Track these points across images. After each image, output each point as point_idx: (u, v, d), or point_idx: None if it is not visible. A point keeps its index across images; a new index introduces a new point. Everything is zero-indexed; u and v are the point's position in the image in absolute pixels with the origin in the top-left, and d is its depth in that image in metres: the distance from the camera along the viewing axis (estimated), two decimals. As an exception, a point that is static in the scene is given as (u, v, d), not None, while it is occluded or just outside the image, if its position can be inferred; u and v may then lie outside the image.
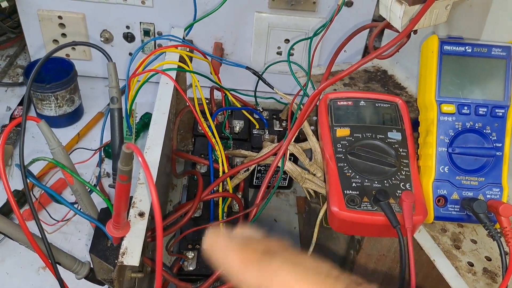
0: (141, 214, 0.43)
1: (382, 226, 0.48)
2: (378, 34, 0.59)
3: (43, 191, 0.68)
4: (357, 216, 0.48)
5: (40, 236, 0.43)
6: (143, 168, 0.30)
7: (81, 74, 0.90)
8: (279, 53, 0.96)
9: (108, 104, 0.93)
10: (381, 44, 0.86)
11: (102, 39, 0.94)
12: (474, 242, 0.50)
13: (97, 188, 0.72)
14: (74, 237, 0.70)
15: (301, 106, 0.65)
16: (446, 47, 0.51)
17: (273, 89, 0.74)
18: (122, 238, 0.41)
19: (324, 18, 0.91)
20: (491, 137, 0.50)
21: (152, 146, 0.51)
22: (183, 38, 0.73)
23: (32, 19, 0.92)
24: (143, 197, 0.45)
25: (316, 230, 0.59)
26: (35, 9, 0.90)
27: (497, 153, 0.50)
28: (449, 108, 0.50)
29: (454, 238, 0.50)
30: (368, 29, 0.67)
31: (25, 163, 0.42)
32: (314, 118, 0.68)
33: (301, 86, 0.66)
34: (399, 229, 0.46)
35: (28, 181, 0.42)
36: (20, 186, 0.74)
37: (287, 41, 0.94)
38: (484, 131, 0.50)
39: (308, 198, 0.64)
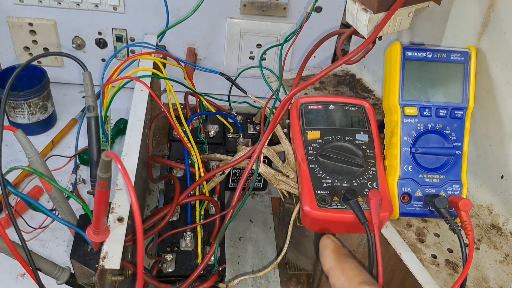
0: (120, 219, 0.45)
1: (352, 223, 0.51)
2: (347, 39, 0.62)
3: (18, 199, 0.68)
4: (328, 214, 0.51)
5: (20, 244, 0.43)
6: (123, 175, 0.31)
7: (53, 80, 0.90)
8: (252, 58, 0.98)
9: (82, 111, 0.94)
10: (350, 48, 0.89)
11: (74, 46, 0.94)
12: (437, 235, 0.53)
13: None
14: (52, 244, 0.70)
15: (274, 110, 0.67)
16: (408, 53, 0.54)
17: (246, 94, 0.76)
18: (102, 243, 0.42)
19: (294, 23, 0.93)
20: (451, 137, 0.53)
21: (129, 153, 0.52)
22: (156, 44, 0.74)
23: (2, 26, 0.91)
24: (122, 202, 0.46)
25: (290, 229, 0.61)
26: (5, 16, 0.90)
27: (457, 152, 0.53)
28: (411, 110, 0.53)
29: (419, 233, 0.53)
30: (336, 35, 0.70)
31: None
32: (287, 121, 0.71)
33: (273, 91, 0.68)
34: (367, 226, 0.48)
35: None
36: (-7, 195, 0.74)
37: (259, 46, 0.96)
38: (445, 131, 0.53)
39: (282, 199, 0.66)
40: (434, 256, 0.50)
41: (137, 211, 0.30)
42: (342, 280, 0.40)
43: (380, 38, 0.58)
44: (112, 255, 0.41)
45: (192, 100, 0.76)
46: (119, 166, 0.31)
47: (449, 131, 0.53)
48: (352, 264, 0.42)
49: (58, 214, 0.50)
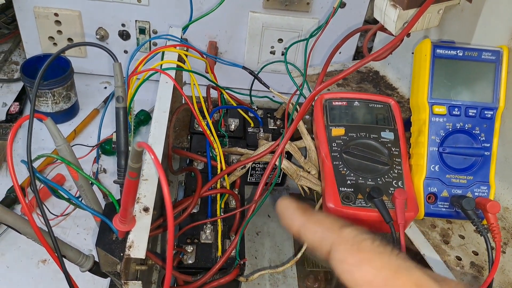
0: (146, 209, 0.45)
1: (376, 222, 0.50)
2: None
3: (41, 186, 0.69)
4: (352, 212, 0.50)
5: (47, 230, 0.44)
6: (155, 165, 0.31)
7: (76, 71, 0.91)
8: (273, 53, 0.97)
9: (104, 101, 0.94)
10: (373, 45, 0.88)
11: (98, 37, 0.95)
12: (462, 237, 0.52)
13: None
14: (73, 231, 0.71)
15: (297, 106, 0.67)
16: (439, 51, 0.53)
17: (268, 88, 0.75)
18: (127, 232, 0.43)
19: (317, 18, 0.93)
20: (480, 137, 0.52)
21: (154, 144, 0.52)
22: (181, 37, 0.74)
23: (28, 16, 0.92)
24: (147, 193, 0.46)
25: (311, 225, 0.61)
26: (32, 6, 0.90)
27: (485, 153, 0.52)
28: (440, 109, 0.53)
29: (443, 234, 0.52)
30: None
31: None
32: (307, 117, 0.70)
33: (297, 87, 0.68)
34: (392, 225, 0.48)
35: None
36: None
37: (280, 40, 0.96)
38: (473, 131, 0.52)
39: (303, 195, 0.65)
40: (459, 258, 0.50)
41: (169, 202, 0.30)
42: (320, 231, 0.35)
43: (408, 35, 0.57)
44: (137, 245, 0.41)
45: (212, 93, 0.76)
46: (152, 157, 0.31)
47: (478, 131, 0.52)
48: (324, 215, 0.37)
49: (83, 202, 0.50)
